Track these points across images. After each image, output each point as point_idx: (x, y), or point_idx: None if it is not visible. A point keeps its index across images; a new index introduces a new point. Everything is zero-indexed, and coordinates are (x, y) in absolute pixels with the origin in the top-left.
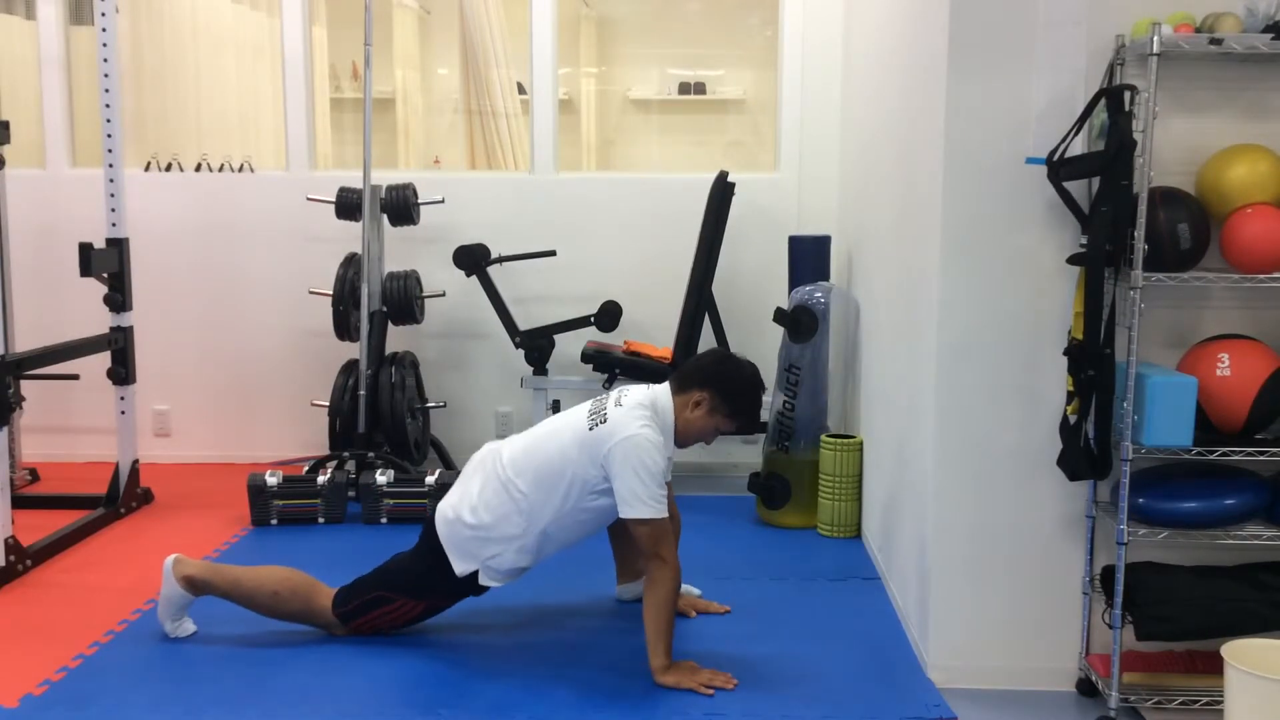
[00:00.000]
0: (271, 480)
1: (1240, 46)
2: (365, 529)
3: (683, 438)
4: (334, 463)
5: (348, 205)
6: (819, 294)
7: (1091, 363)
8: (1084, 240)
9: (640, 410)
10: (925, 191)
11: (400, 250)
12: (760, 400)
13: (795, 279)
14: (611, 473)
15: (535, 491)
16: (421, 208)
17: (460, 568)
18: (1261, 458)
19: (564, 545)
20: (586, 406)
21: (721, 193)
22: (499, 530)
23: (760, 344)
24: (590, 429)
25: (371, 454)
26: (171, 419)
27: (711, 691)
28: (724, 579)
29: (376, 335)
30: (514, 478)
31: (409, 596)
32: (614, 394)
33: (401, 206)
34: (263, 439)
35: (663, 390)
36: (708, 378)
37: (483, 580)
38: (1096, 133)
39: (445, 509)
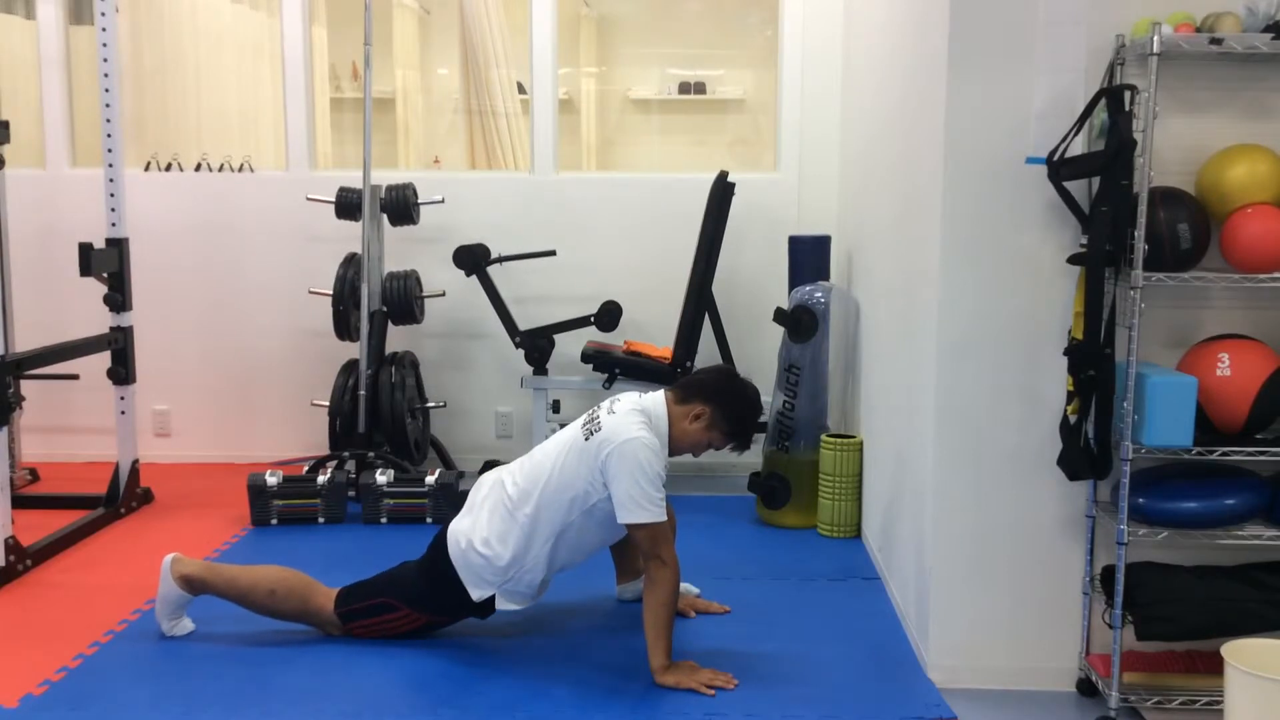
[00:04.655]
0: (271, 480)
1: (1240, 46)
2: (365, 529)
3: (675, 446)
4: (334, 463)
5: (348, 205)
6: (819, 294)
7: (1091, 363)
8: (1084, 240)
9: (634, 415)
10: (925, 191)
11: (400, 250)
12: (757, 424)
13: (795, 279)
14: (609, 478)
15: (542, 514)
16: (421, 208)
17: (477, 594)
18: (1261, 458)
19: (584, 556)
20: (580, 421)
21: (721, 193)
22: (511, 557)
23: (760, 344)
24: (586, 439)
25: (371, 454)
26: (171, 419)
27: (712, 692)
28: (724, 579)
29: (376, 335)
30: (520, 504)
31: (415, 609)
32: (605, 404)
33: (401, 206)
34: (263, 439)
35: (658, 398)
36: (711, 393)
37: (501, 605)
38: (1096, 132)
39: (457, 536)
